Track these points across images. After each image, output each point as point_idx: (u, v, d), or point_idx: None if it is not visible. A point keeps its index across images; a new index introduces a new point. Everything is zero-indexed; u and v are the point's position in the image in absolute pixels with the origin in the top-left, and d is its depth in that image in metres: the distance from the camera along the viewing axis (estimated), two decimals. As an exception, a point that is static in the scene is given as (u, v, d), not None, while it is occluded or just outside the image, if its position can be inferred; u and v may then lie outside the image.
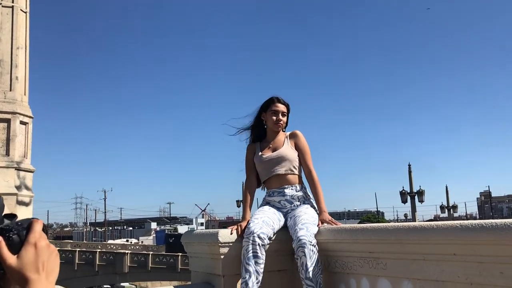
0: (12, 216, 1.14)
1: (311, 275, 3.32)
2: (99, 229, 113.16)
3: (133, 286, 49.15)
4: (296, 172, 3.94)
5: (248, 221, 3.64)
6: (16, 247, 1.07)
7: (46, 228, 1.14)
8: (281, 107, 4.04)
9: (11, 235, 1.08)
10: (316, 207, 3.89)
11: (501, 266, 2.42)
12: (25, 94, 9.57)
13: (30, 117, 9.48)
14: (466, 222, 2.59)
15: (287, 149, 3.96)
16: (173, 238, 53.19)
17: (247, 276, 3.39)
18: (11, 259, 1.06)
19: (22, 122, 9.24)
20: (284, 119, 4.06)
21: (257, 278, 3.39)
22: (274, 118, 4.01)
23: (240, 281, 3.43)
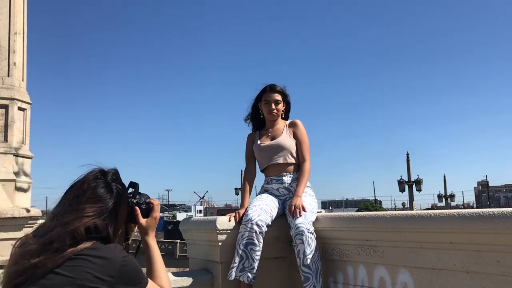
0: (135, 185, 2.15)
1: (308, 262, 3.32)
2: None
3: (132, 272, 49.25)
4: (294, 160, 3.93)
5: (246, 208, 3.65)
6: (145, 215, 2.15)
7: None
8: (274, 96, 4.00)
9: (143, 207, 2.14)
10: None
11: (498, 254, 2.43)
12: (23, 80, 9.51)
13: (28, 103, 9.43)
14: (463, 210, 2.60)
15: (286, 138, 3.95)
16: (172, 225, 53.29)
17: (238, 261, 3.39)
18: (141, 220, 2.14)
19: (20, 108, 9.19)
20: (279, 106, 4.02)
21: (250, 264, 3.40)
22: (267, 107, 4.00)
23: (231, 266, 3.43)
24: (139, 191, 2.15)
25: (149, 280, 1.94)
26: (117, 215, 1.91)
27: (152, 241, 2.19)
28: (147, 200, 2.18)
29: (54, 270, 1.63)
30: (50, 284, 1.62)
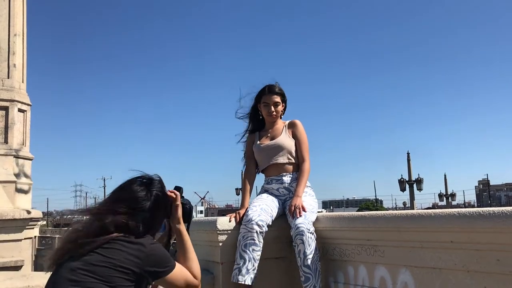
0: (179, 188, 2.47)
1: (309, 263, 3.32)
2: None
3: (133, 273, 49.24)
4: (294, 160, 3.93)
5: (247, 208, 3.65)
6: (186, 213, 2.52)
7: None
8: (273, 98, 3.99)
9: (187, 206, 2.53)
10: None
11: (498, 253, 2.43)
12: (23, 82, 9.51)
13: (28, 104, 9.44)
14: (463, 210, 2.60)
15: (285, 138, 3.95)
16: (172, 226, 53.29)
17: (241, 263, 3.39)
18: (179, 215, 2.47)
19: (20, 110, 9.19)
20: (278, 108, 4.01)
21: (253, 265, 3.40)
22: (267, 110, 4.00)
23: (234, 267, 3.43)
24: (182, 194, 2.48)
25: (177, 263, 2.24)
26: (152, 219, 2.19)
27: (183, 228, 2.52)
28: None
29: (94, 250, 1.99)
30: (89, 259, 1.97)
